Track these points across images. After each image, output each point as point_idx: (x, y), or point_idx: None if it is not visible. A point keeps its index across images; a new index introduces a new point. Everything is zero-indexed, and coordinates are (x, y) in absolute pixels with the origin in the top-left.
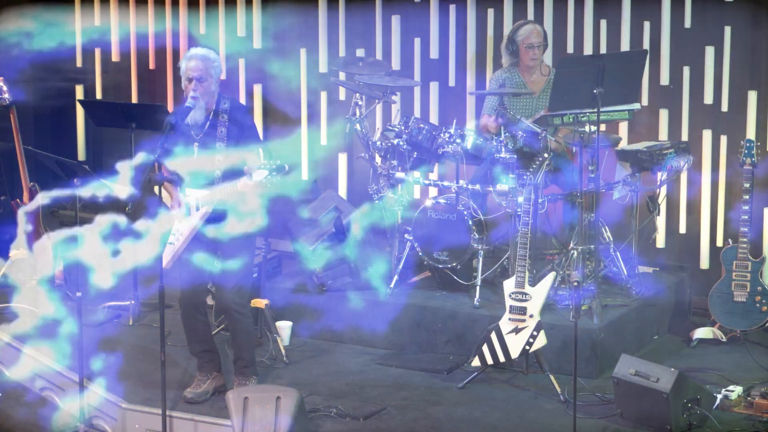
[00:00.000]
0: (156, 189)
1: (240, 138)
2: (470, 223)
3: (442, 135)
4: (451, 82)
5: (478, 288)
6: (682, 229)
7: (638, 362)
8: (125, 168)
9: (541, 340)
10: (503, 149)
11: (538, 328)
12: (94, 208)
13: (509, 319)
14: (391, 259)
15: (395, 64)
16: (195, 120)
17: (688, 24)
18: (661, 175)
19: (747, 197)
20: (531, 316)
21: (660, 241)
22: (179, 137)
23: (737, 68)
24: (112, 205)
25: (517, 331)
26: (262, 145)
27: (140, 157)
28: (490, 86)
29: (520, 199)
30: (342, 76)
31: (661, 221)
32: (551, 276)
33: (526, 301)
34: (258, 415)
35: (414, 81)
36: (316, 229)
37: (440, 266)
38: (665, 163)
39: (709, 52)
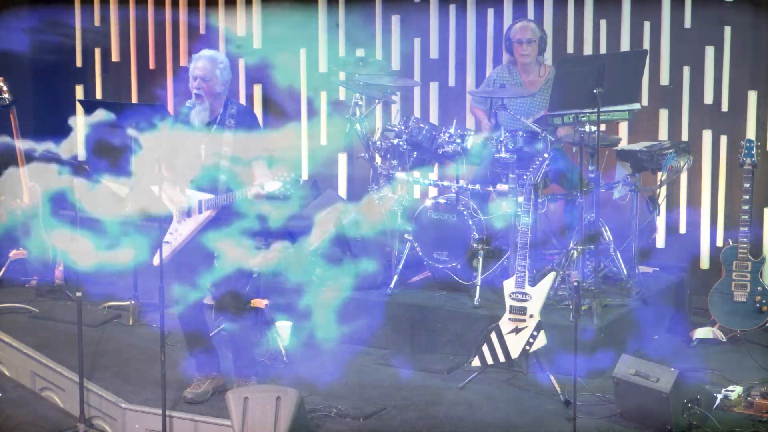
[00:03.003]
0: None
1: (247, 143)
2: (470, 223)
3: (442, 135)
4: (451, 82)
5: (478, 288)
6: (682, 229)
7: (638, 362)
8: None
9: (541, 340)
10: (503, 149)
11: (538, 328)
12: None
13: (509, 319)
14: (391, 260)
15: (395, 64)
16: (199, 120)
17: (688, 24)
18: (661, 175)
19: (747, 197)
20: (531, 316)
21: (660, 241)
22: (185, 138)
23: (737, 68)
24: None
25: (517, 331)
26: (267, 154)
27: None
28: (486, 82)
29: (520, 199)
30: (342, 76)
31: (661, 221)
32: (551, 276)
33: (526, 301)
34: (258, 415)
35: (414, 81)
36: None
37: (440, 266)
38: (665, 163)
39: (709, 52)
